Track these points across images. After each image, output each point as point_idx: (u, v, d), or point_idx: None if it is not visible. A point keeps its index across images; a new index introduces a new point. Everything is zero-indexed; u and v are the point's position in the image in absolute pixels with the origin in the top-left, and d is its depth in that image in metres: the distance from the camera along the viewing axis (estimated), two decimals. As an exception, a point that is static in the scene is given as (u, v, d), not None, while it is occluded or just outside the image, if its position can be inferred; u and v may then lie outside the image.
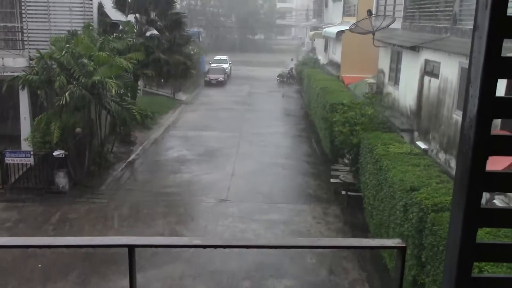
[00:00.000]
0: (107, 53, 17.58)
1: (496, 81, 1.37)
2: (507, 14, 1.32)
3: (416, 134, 16.88)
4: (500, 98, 1.38)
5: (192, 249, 12.62)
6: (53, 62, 16.84)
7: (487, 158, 1.42)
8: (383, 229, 11.62)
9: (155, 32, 24.44)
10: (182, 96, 36.12)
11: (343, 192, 15.98)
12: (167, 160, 21.36)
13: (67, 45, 16.95)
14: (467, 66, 1.47)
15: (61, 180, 16.66)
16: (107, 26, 21.74)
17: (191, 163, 20.53)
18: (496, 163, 1.47)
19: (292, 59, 50.02)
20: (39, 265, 11.93)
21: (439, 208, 9.00)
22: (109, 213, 15.35)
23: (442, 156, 14.39)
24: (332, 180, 17.39)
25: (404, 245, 1.43)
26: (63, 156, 16.50)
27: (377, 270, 11.88)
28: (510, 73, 1.39)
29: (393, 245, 1.46)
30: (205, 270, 11.83)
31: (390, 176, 11.25)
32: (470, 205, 1.41)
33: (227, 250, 12.65)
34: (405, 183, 10.40)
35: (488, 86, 1.36)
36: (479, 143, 1.39)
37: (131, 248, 1.47)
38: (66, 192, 16.57)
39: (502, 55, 1.34)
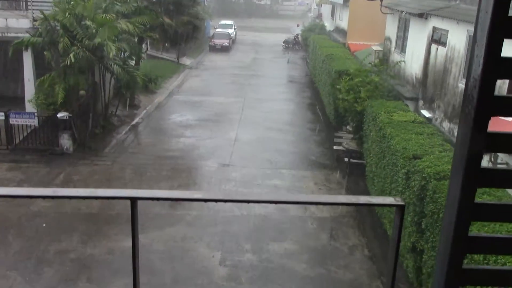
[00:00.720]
0: (113, 15, 17.41)
1: (502, 42, 1.35)
2: None
3: (421, 102, 16.81)
4: (505, 58, 1.37)
5: (195, 212, 12.77)
6: (56, 24, 16.68)
7: (489, 119, 1.42)
8: (384, 196, 11.68)
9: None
10: (186, 61, 35.89)
11: (346, 159, 16.01)
12: (170, 124, 21.38)
13: (70, 5, 16.77)
14: None
15: (65, 142, 16.74)
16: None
17: (194, 128, 20.55)
18: (499, 125, 1.47)
19: (298, 25, 49.40)
20: (44, 224, 12.10)
21: (441, 176, 9.03)
22: (112, 175, 15.47)
23: (446, 125, 14.35)
24: (335, 147, 17.40)
25: (403, 203, 1.44)
26: (67, 118, 16.53)
27: (376, 236, 12.00)
28: None
29: (392, 203, 1.47)
30: (206, 233, 11.99)
31: (393, 144, 11.25)
32: (470, 165, 1.41)
33: (229, 214, 12.80)
34: (408, 151, 10.42)
35: (493, 47, 1.35)
36: (482, 103, 1.38)
37: (134, 200, 1.48)
38: (70, 154, 16.66)
39: (509, 15, 1.33)
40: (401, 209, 1.46)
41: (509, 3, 1.33)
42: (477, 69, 1.37)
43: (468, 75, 1.42)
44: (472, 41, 1.42)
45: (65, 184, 14.59)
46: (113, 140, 18.61)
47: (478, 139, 1.41)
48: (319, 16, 49.73)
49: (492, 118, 1.43)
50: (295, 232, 12.14)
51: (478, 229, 6.65)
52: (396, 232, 1.46)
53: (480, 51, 1.36)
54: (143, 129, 20.54)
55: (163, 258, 10.80)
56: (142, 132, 20.18)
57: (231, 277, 10.33)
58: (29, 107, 17.83)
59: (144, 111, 22.73)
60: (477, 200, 1.45)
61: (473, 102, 1.39)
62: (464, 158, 1.41)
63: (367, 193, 13.80)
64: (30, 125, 16.98)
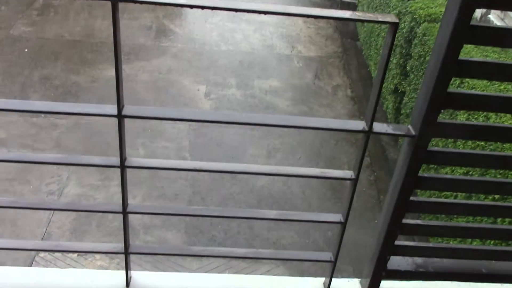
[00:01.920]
0: None
1: (473, 10, 1.34)
2: None
3: None
4: (474, 25, 1.37)
5: (180, 45, 12.61)
6: None
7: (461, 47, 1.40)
8: (372, 37, 11.55)
9: None
10: None
11: (337, -2, 15.49)
12: None
13: None
14: None
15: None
16: None
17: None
18: None
19: None
20: (26, 50, 11.90)
21: (432, 19, 8.87)
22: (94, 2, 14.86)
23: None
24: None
25: (397, 20, 1.40)
26: None
27: (361, 78, 12.11)
28: None
29: (386, 20, 1.42)
30: (192, 66, 11.96)
31: (387, -17, 10.83)
32: (460, 22, 1.36)
33: (215, 48, 12.68)
34: (402, -9, 10.07)
35: (464, 14, 1.34)
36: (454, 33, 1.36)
37: (115, 2, 1.39)
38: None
39: None
40: (394, 26, 1.42)
41: None
42: (446, 32, 1.37)
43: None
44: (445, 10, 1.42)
45: (45, 8, 14.03)
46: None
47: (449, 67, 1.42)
48: None
49: None
50: (280, 70, 12.17)
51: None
52: (386, 51, 1.44)
53: (450, 19, 1.34)
54: None
55: (147, 88, 10.89)
56: None
57: (216, 109, 10.56)
58: None
59: None
60: (461, 57, 1.44)
61: (447, 31, 1.37)
62: (456, 12, 1.35)
63: (356, 34, 13.64)
64: None
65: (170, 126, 9.81)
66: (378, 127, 1.59)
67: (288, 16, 1.46)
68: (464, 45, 1.41)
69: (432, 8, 9.21)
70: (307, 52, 12.80)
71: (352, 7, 14.38)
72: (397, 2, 10.09)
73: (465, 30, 1.37)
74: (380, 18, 1.44)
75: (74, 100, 10.41)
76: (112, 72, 10.36)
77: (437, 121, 1.53)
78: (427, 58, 8.35)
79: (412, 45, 9.03)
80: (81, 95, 10.66)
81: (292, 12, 1.44)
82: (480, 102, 1.60)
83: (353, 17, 1.47)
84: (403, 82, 9.38)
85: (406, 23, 9.38)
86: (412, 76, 8.96)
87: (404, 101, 9.32)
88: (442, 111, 1.61)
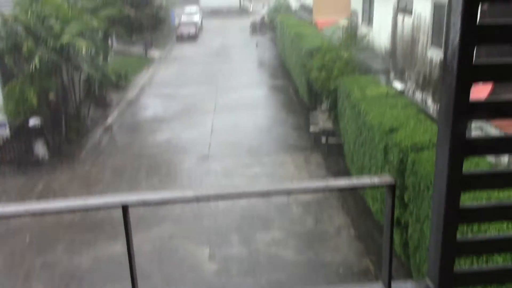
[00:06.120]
0: (78, 10, 17.03)
1: (477, 8, 1.34)
2: None
3: (392, 74, 16.86)
4: (482, 25, 1.36)
5: (178, 210, 12.69)
6: (18, 26, 16.10)
7: (471, 86, 1.40)
8: (364, 172, 11.74)
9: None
10: (154, 53, 35.43)
11: (323, 139, 16.03)
12: (145, 120, 21.14)
13: (33, 5, 16.22)
14: (440, 2, 1.44)
15: (40, 149, 16.43)
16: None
17: (169, 122, 20.35)
18: (475, 92, 1.47)
19: (263, 7, 49.08)
20: (26, 239, 11.90)
21: (418, 147, 9.08)
22: (91, 179, 15.26)
23: (418, 95, 14.43)
24: (311, 128, 17.41)
25: (393, 181, 1.42)
26: (39, 124, 16.19)
27: (361, 214, 12.08)
28: None
29: (381, 182, 1.44)
30: (193, 229, 11.94)
31: (369, 120, 11.28)
32: (456, 136, 1.40)
33: (214, 207, 12.76)
34: (384, 125, 10.45)
35: (469, 13, 1.33)
36: (463, 72, 1.37)
37: (125, 208, 1.47)
38: (46, 161, 16.36)
39: None
40: (391, 187, 1.43)
41: None
42: (455, 38, 1.35)
43: (445, 45, 1.40)
44: (447, 10, 1.40)
45: (44, 193, 14.34)
46: (89, 142, 18.34)
47: (462, 108, 1.40)
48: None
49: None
50: (280, 219, 12.15)
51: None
52: (389, 212, 1.44)
53: (457, 19, 1.34)
54: (118, 128, 20.27)
55: (151, 260, 10.74)
56: (117, 131, 19.91)
57: (221, 273, 10.31)
58: (-2, 117, 17.33)
59: (117, 109, 22.42)
60: (465, 170, 1.45)
61: (453, 72, 1.37)
62: (449, 129, 1.39)
63: (347, 171, 13.86)
64: (2, 135, 16.58)
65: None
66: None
67: (290, 193, 1.53)
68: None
69: (416, 137, 9.48)
70: (303, 196, 12.91)
71: (339, 146, 14.77)
72: (382, 136, 10.41)
73: (460, 177, 1.40)
74: (377, 181, 1.46)
75: (77, 285, 10.19)
76: (115, 249, 10.29)
77: (453, 271, 1.49)
78: (422, 187, 8.41)
79: (405, 176, 9.14)
80: (85, 277, 10.45)
81: (294, 187, 1.49)
82: (490, 247, 1.60)
83: (351, 184, 1.51)
84: (404, 214, 9.32)
85: (394, 155, 9.59)
86: (411, 206, 8.93)
87: (409, 232, 9.19)
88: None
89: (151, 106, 23.00)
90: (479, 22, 1.34)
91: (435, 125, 9.99)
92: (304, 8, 34.75)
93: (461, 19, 1.32)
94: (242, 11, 56.28)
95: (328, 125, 16.18)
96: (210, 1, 57.74)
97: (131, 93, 25.04)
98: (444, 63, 1.41)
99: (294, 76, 23.02)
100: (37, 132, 16.30)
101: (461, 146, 1.41)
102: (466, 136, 1.42)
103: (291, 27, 25.49)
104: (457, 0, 1.33)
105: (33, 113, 16.06)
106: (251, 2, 57.52)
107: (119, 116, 21.54)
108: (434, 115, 12.11)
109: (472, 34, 1.34)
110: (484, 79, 1.45)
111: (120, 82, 24.44)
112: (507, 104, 1.48)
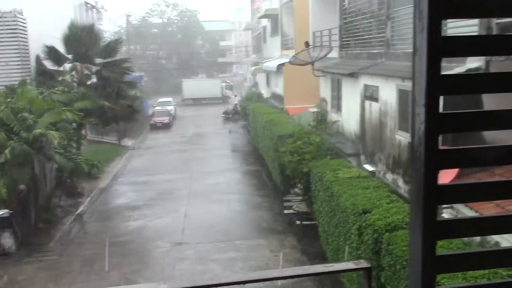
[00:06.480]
0: (52, 102, 17.24)
1: (439, 99, 1.43)
2: (443, 35, 1.39)
3: (362, 157, 17.21)
4: (444, 114, 1.45)
5: None
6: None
7: (438, 172, 1.47)
8: (340, 254, 11.65)
9: (95, 80, 24.22)
10: (128, 142, 35.62)
11: (298, 222, 15.99)
12: (117, 209, 20.83)
13: (8, 100, 16.47)
14: (404, 88, 1.54)
15: (7, 241, 15.90)
16: (46, 78, 21.40)
17: (142, 209, 20.10)
18: (442, 176, 1.53)
19: (235, 96, 50.51)
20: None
21: (392, 227, 9.13)
22: (60, 271, 14.71)
23: (389, 176, 14.69)
24: (285, 211, 17.39)
25: (369, 265, 1.43)
26: (7, 215, 15.79)
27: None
28: (451, 90, 1.47)
29: (358, 267, 1.46)
30: None
31: (342, 201, 11.37)
32: (427, 220, 1.44)
33: None
34: (357, 207, 10.53)
35: (432, 104, 1.41)
36: (429, 159, 1.43)
37: None
38: (13, 252, 15.79)
39: (442, 73, 1.41)
40: (367, 271, 1.44)
41: (441, 61, 1.41)
42: (420, 127, 1.43)
43: (412, 134, 1.48)
44: (411, 101, 1.48)
45: (9, 286, 13.71)
46: (58, 232, 17.86)
47: (431, 194, 1.45)
48: (255, 84, 51.10)
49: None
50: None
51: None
52: None
53: (421, 110, 1.42)
54: (89, 217, 19.88)
55: None
56: (88, 221, 19.51)
57: None
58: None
59: (89, 198, 22.10)
60: (438, 252, 1.47)
61: (421, 158, 1.44)
62: (420, 214, 1.44)
63: (322, 252, 13.73)
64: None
65: None
66: None
67: (268, 280, 1.53)
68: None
69: (389, 217, 9.55)
70: (281, 280, 12.63)
71: (314, 229, 14.71)
72: (355, 217, 10.45)
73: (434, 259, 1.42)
74: (353, 266, 1.47)
75: None
76: None
77: None
78: (398, 267, 8.36)
79: (381, 256, 9.10)
80: None
81: (271, 276, 1.49)
82: None
83: (329, 269, 1.51)
84: (382, 295, 9.18)
85: (369, 235, 9.60)
86: (388, 287, 8.82)
87: (388, 314, 9.00)
88: None
89: (124, 194, 22.78)
90: (441, 112, 1.43)
91: (407, 205, 10.12)
92: (275, 96, 35.84)
93: (424, 110, 1.41)
94: (224, 98, 57.74)
95: (302, 207, 16.21)
96: (192, 91, 59.91)
97: (104, 181, 24.84)
98: (412, 149, 1.48)
99: (267, 161, 23.29)
100: (5, 223, 15.85)
101: (433, 229, 1.45)
102: (438, 218, 1.48)
103: (263, 114, 26.15)
104: (420, 92, 1.41)
105: (2, 204, 15.73)
106: (232, 90, 59.40)
107: (91, 205, 21.20)
108: (406, 195, 12.28)
109: (435, 123, 1.43)
110: (450, 165, 1.54)
111: (93, 171, 24.36)
112: (475, 187, 1.56)
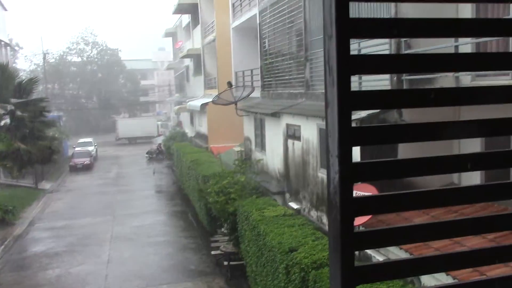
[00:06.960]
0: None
1: (351, 150, 1.50)
2: (352, 90, 1.47)
3: (287, 195, 17.45)
4: (356, 164, 1.52)
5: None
6: None
7: (353, 220, 1.54)
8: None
9: (8, 120, 23.13)
10: (46, 185, 34.05)
11: (226, 263, 15.84)
12: (34, 257, 19.69)
13: None
14: (324, 127, 1.62)
15: None
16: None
17: (62, 256, 19.13)
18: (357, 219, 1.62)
19: (160, 135, 49.96)
20: None
21: (318, 265, 9.26)
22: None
23: (314, 213, 14.97)
24: (213, 252, 17.19)
25: None
26: None
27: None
28: (361, 141, 1.55)
29: None
30: None
31: (269, 240, 11.41)
32: (345, 265, 1.49)
33: None
34: (284, 245, 10.60)
35: (345, 155, 1.48)
36: (345, 207, 1.49)
37: None
38: None
39: (352, 125, 1.49)
40: None
41: (351, 114, 1.49)
42: (335, 177, 1.50)
43: (328, 183, 1.54)
44: (326, 152, 1.55)
45: None
46: (-33, 286, 16.59)
47: (348, 241, 1.51)
48: (179, 124, 50.88)
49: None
50: None
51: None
52: None
53: (335, 160, 1.49)
54: (2, 267, 18.63)
55: None
56: (1, 271, 18.27)
57: None
58: None
59: (3, 246, 20.76)
60: None
61: (337, 206, 1.50)
62: (338, 260, 1.50)
63: (251, 293, 13.64)
64: None
65: None
66: None
67: None
68: None
69: (315, 254, 9.69)
70: None
71: (242, 268, 14.64)
72: (282, 256, 10.50)
73: None
74: None
75: None
76: None
77: None
78: (326, 304, 8.46)
79: (308, 295, 9.17)
80: None
81: None
82: None
83: None
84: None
85: (296, 274, 9.66)
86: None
87: None
88: None
89: (42, 240, 21.61)
90: (354, 162, 1.51)
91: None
92: (200, 135, 35.83)
93: (338, 161, 1.48)
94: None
95: (230, 248, 16.09)
96: (127, 130, 58.49)
97: (20, 228, 23.48)
98: (328, 198, 1.55)
99: (193, 202, 23.05)
100: None
101: (352, 275, 1.51)
102: (356, 264, 1.55)
103: (187, 154, 26.00)
104: (333, 144, 1.49)
105: None
106: (168, 129, 58.73)
107: (4, 254, 19.91)
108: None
109: (349, 173, 1.50)
110: (365, 212, 1.62)
111: (7, 217, 23.03)
112: (391, 232, 1.64)
